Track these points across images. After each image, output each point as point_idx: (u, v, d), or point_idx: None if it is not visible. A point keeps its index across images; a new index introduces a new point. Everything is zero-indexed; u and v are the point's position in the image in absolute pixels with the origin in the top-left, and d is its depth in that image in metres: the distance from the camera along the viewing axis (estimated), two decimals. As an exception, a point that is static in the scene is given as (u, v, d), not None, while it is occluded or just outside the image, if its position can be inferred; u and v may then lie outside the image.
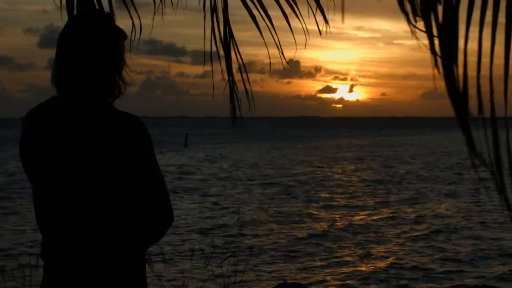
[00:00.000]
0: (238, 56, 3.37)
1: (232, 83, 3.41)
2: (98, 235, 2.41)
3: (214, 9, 3.31)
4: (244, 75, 3.37)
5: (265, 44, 3.25)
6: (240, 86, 3.41)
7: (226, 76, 3.37)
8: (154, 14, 3.29)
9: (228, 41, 3.35)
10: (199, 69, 3.44)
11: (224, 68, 3.38)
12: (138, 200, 2.45)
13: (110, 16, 2.55)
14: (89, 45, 2.46)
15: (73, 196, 2.41)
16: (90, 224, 2.41)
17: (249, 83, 3.35)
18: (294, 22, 3.11)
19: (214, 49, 3.33)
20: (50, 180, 2.43)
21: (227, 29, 3.34)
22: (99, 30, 2.48)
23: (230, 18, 3.35)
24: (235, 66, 3.40)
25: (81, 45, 2.46)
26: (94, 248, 2.41)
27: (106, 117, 2.43)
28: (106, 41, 2.48)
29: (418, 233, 15.55)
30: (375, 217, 18.16)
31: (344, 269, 12.08)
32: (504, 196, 1.99)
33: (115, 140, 2.41)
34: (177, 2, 3.36)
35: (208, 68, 3.38)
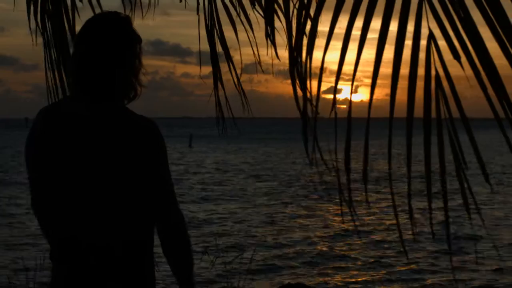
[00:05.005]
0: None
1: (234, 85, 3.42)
2: (114, 233, 2.43)
3: (211, 10, 3.37)
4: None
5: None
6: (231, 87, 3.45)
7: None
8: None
9: (214, 41, 3.39)
10: (204, 70, 3.46)
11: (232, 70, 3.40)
12: (150, 200, 2.48)
13: (128, 18, 2.57)
14: (108, 46, 2.47)
15: (88, 195, 2.42)
16: (106, 223, 2.43)
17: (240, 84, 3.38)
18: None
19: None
20: (66, 180, 2.43)
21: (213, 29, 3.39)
22: (118, 31, 2.49)
23: (235, 18, 3.35)
24: (239, 67, 3.41)
25: (100, 46, 2.46)
26: (109, 246, 2.43)
27: (122, 119, 2.46)
28: (125, 43, 2.49)
29: None
30: None
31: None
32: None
33: (130, 141, 2.43)
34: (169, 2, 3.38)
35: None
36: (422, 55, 2.36)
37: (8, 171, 32.08)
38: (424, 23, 2.32)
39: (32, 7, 3.47)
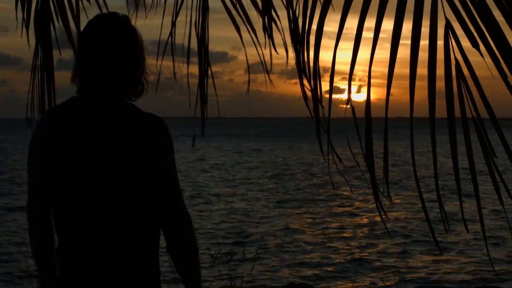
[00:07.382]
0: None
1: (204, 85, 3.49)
2: (116, 231, 2.45)
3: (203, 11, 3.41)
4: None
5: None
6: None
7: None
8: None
9: (204, 42, 3.44)
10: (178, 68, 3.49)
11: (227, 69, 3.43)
12: (156, 197, 2.50)
13: (128, 18, 2.60)
14: (115, 44, 2.50)
15: (93, 192, 2.44)
16: (108, 220, 2.45)
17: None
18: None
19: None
20: (71, 179, 2.45)
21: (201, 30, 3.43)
22: (123, 30, 2.53)
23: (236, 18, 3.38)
24: (244, 67, 3.46)
25: (107, 44, 2.49)
26: (110, 243, 2.45)
27: (130, 115, 2.49)
28: (131, 40, 2.53)
29: None
30: None
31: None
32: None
33: (140, 139, 2.46)
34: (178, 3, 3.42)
35: (217, 69, 3.42)
36: (439, 56, 2.34)
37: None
38: (440, 19, 2.31)
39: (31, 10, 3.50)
